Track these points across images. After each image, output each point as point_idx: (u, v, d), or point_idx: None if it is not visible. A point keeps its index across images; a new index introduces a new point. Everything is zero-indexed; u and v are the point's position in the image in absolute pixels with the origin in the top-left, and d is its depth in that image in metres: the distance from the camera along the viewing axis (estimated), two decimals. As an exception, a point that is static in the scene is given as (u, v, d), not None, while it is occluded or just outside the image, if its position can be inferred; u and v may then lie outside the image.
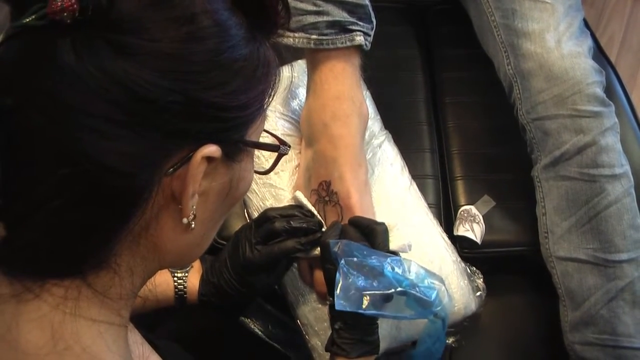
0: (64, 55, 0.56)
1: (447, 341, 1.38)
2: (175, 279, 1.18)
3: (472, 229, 1.41)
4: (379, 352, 1.14)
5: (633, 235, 1.29)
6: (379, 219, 1.20)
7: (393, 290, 1.01)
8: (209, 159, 0.65)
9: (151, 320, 1.23)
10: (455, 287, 1.26)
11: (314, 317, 1.25)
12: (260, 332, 1.27)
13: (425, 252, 1.26)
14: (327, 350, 1.08)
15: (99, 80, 0.57)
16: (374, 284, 1.00)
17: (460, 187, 1.52)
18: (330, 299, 1.05)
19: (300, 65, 1.41)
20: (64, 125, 0.57)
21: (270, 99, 0.73)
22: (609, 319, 1.27)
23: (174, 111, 0.60)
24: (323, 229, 1.14)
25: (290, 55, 1.36)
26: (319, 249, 1.12)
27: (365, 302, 0.99)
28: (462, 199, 1.50)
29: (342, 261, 0.99)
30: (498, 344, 1.50)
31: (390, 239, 1.09)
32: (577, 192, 1.30)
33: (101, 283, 0.67)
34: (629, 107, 1.62)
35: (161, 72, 0.59)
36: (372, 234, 1.07)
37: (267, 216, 1.14)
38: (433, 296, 1.04)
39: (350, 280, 0.99)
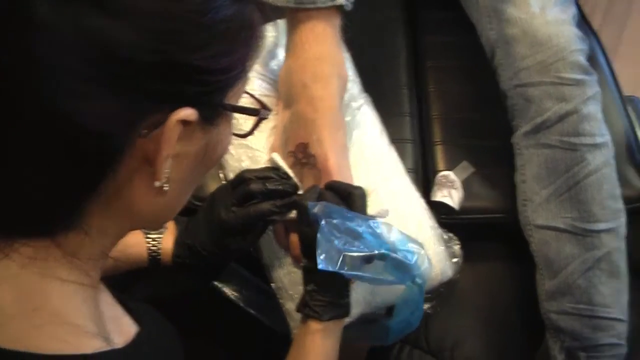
0: (38, 5, 0.54)
1: (423, 307, 1.38)
2: (149, 239, 1.16)
3: (450, 195, 1.40)
4: (352, 317, 1.14)
5: (612, 205, 1.28)
6: (356, 182, 1.19)
7: (374, 252, 1.00)
8: (185, 122, 0.63)
9: (126, 283, 1.22)
10: (432, 252, 1.25)
11: (288, 281, 1.24)
12: (234, 297, 1.25)
13: (402, 217, 1.24)
14: (298, 311, 1.06)
15: (73, 35, 0.55)
16: (354, 245, 0.99)
17: (439, 153, 1.51)
18: (305, 261, 1.04)
19: (280, 25, 1.38)
20: (36, 81, 0.55)
21: (253, 62, 0.71)
22: (586, 288, 1.27)
23: (152, 72, 0.59)
24: (299, 192, 1.13)
25: (270, 14, 1.33)
26: (294, 212, 1.11)
27: (346, 263, 0.98)
28: (440, 164, 1.49)
29: (323, 222, 0.97)
30: (474, 311, 1.50)
31: (368, 203, 1.07)
32: (557, 160, 1.29)
33: (70, 244, 0.66)
34: (611, 77, 1.61)
35: (140, 32, 0.57)
36: (350, 199, 1.05)
37: (243, 178, 1.12)
38: (413, 260, 1.03)
39: (331, 241, 0.97)
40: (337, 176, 1.15)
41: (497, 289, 1.52)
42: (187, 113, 0.62)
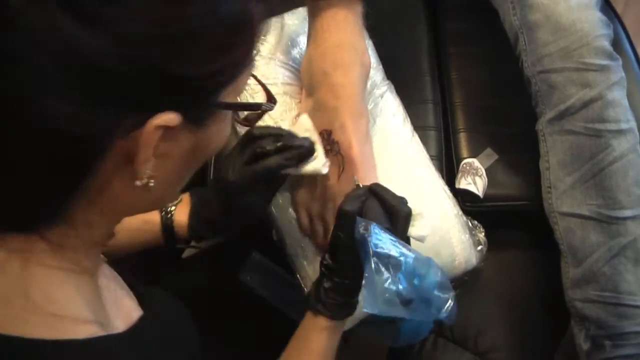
0: (17, 6, 0.53)
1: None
2: (163, 212, 1.17)
3: (474, 182, 1.39)
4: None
5: (637, 192, 1.27)
6: (379, 169, 1.20)
7: (415, 297, 0.98)
8: (167, 127, 0.62)
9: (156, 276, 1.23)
10: (456, 241, 1.24)
11: (312, 270, 1.24)
12: (259, 290, 1.24)
13: (427, 205, 1.24)
14: (308, 304, 1.05)
15: (51, 40, 0.54)
16: (399, 286, 0.97)
17: (463, 140, 1.50)
18: (328, 259, 1.03)
19: (301, 13, 1.38)
20: (15, 82, 0.55)
21: (251, 59, 0.70)
22: (611, 276, 1.26)
23: (128, 80, 0.58)
24: (316, 154, 1.12)
25: (291, 2, 1.33)
26: (310, 166, 1.10)
27: (389, 306, 0.97)
28: (464, 151, 1.48)
29: (374, 259, 0.95)
30: (498, 300, 1.49)
31: (414, 224, 1.06)
32: (581, 147, 1.28)
33: (55, 236, 0.67)
34: (635, 62, 1.59)
35: (116, 40, 0.56)
36: (395, 216, 1.02)
37: (253, 135, 1.10)
38: (445, 307, 1.01)
39: (378, 278, 0.96)
40: (360, 163, 1.15)
41: (521, 277, 1.51)
42: (167, 118, 0.61)
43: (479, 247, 1.29)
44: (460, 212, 1.29)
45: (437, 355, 1.46)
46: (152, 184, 0.67)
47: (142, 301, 0.87)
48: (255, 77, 0.75)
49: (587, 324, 1.29)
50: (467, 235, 1.26)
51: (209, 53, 0.62)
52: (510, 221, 1.51)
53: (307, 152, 1.10)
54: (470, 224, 1.29)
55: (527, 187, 1.43)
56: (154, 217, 1.17)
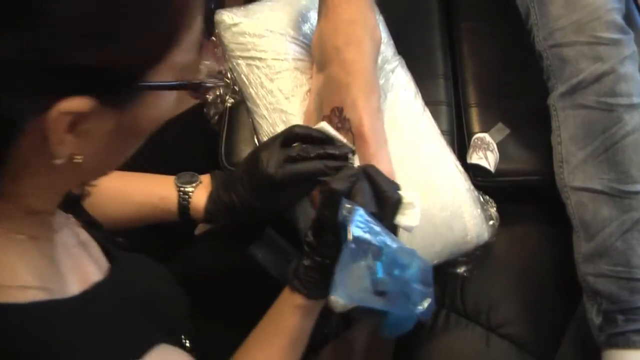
0: None
1: (459, 271, 1.37)
2: (181, 193, 1.17)
3: (486, 157, 1.39)
4: None
5: (650, 167, 1.27)
6: (391, 145, 1.20)
7: (392, 289, 0.94)
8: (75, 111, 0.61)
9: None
10: (468, 215, 1.24)
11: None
12: (267, 268, 1.24)
13: (438, 180, 1.24)
14: (288, 282, 1.04)
15: None
16: (376, 275, 0.95)
17: (474, 115, 1.50)
18: (310, 236, 1.01)
19: (312, -12, 1.37)
20: None
21: (189, 37, 0.68)
22: (624, 250, 1.25)
23: (32, 70, 0.58)
24: (354, 157, 1.10)
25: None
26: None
27: (361, 294, 0.95)
28: (476, 126, 1.48)
29: (352, 245, 0.91)
30: (510, 275, 1.49)
31: (404, 212, 1.02)
32: (593, 121, 1.27)
33: None
34: (648, 36, 1.58)
35: (17, 29, 0.56)
36: (384, 202, 1.00)
37: (295, 133, 1.10)
38: (422, 303, 0.99)
39: (354, 265, 0.92)
40: (372, 141, 1.14)
41: (533, 252, 1.51)
42: (75, 104, 0.60)
43: (491, 222, 1.29)
44: (472, 187, 1.28)
45: (449, 330, 1.47)
46: (79, 160, 0.67)
47: (113, 266, 0.88)
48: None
49: (599, 299, 1.29)
50: (478, 210, 1.26)
51: (112, 39, 0.61)
52: (522, 196, 1.51)
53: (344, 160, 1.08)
54: (482, 199, 1.29)
55: (539, 162, 1.42)
56: (171, 195, 1.17)
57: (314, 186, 1.15)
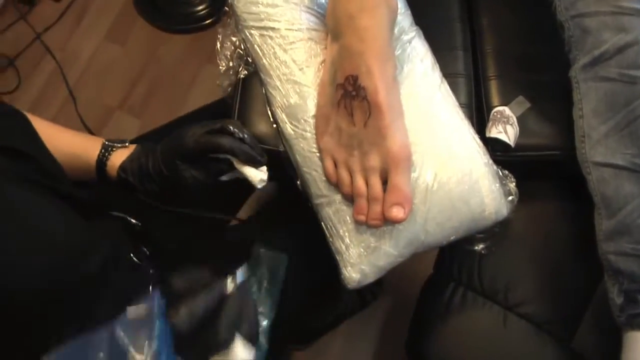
0: None
1: (476, 248, 1.35)
2: (104, 147, 1.23)
3: (506, 131, 1.36)
4: (403, 257, 1.20)
5: (674, 141, 1.23)
6: (407, 116, 1.18)
7: None
8: None
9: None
10: (486, 190, 1.21)
11: (337, 219, 1.22)
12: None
13: (455, 153, 1.20)
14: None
15: None
16: None
17: (494, 87, 1.46)
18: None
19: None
20: None
21: None
22: None
23: None
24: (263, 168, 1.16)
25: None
26: (251, 170, 1.15)
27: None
28: (495, 99, 1.44)
29: None
30: (529, 252, 1.47)
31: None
32: (616, 94, 1.24)
33: None
34: (673, 7, 1.54)
35: None
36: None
37: (224, 128, 1.15)
38: None
39: None
40: (387, 110, 1.12)
41: (553, 230, 1.48)
42: None
43: (510, 198, 1.26)
44: (491, 161, 1.25)
45: (465, 309, 1.46)
46: None
47: None
48: None
49: (621, 278, 1.26)
50: (497, 185, 1.23)
51: None
52: (542, 172, 1.48)
53: (256, 160, 1.14)
54: (500, 173, 1.26)
55: (560, 136, 1.39)
56: (96, 148, 1.23)
57: (221, 172, 1.18)
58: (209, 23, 2.82)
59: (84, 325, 0.93)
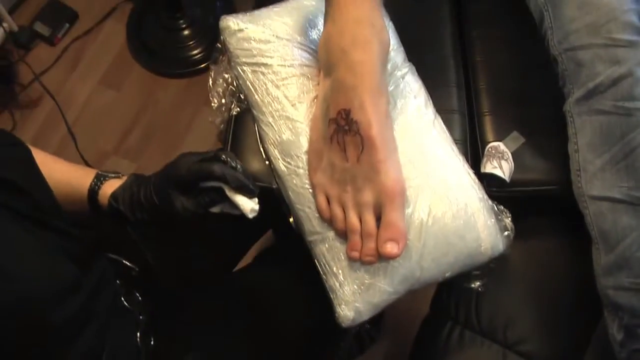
0: None
1: (473, 285, 1.33)
2: (97, 177, 1.22)
3: (500, 166, 1.35)
4: (398, 294, 1.18)
5: (671, 174, 1.22)
6: (401, 152, 1.17)
7: None
8: None
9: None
10: (481, 225, 1.20)
11: (331, 256, 1.20)
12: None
13: (450, 188, 1.19)
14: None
15: None
16: None
17: (488, 123, 1.46)
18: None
19: (320, -6, 1.34)
20: None
21: None
22: None
23: None
24: (255, 201, 1.15)
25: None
26: (243, 199, 1.13)
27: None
28: (489, 135, 1.44)
29: None
30: (526, 289, 1.46)
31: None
32: (611, 126, 1.24)
33: None
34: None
35: None
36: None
37: (217, 156, 1.14)
38: None
39: None
40: (381, 144, 1.11)
41: (551, 266, 1.47)
42: None
43: (506, 233, 1.24)
44: (486, 196, 1.24)
45: (464, 348, 1.45)
46: None
47: None
48: None
49: (621, 313, 1.25)
50: (493, 220, 1.21)
51: None
52: (538, 207, 1.48)
53: (248, 189, 1.12)
54: (496, 208, 1.25)
55: (556, 171, 1.38)
56: (88, 178, 1.22)
57: (212, 203, 1.16)
58: (204, 67, 2.82)
59: None
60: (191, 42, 2.85)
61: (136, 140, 2.75)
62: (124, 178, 1.22)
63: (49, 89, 2.83)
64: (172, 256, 1.40)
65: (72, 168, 1.25)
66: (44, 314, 0.86)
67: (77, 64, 2.92)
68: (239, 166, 1.13)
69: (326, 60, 1.18)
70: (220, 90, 1.37)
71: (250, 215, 1.13)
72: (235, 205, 1.13)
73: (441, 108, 1.34)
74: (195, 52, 2.84)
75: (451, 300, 1.51)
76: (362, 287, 1.17)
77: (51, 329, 0.88)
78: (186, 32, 2.85)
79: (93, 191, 1.20)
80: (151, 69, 2.88)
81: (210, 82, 1.38)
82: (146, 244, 1.27)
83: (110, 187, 1.20)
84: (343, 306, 1.19)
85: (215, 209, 1.16)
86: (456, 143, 1.31)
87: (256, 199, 1.14)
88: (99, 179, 1.21)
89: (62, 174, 1.21)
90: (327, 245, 1.20)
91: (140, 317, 1.20)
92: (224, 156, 1.13)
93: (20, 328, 0.84)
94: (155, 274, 1.28)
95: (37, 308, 0.85)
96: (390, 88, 1.25)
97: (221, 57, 1.38)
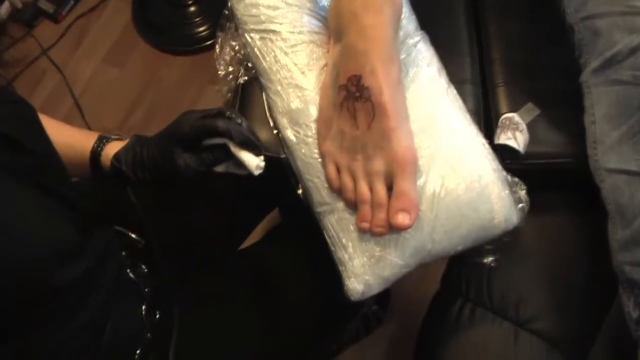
0: None
1: (485, 260, 1.30)
2: (99, 139, 1.21)
3: (515, 137, 1.31)
4: (410, 267, 1.16)
5: (690, 145, 1.19)
6: (413, 120, 1.14)
7: None
8: None
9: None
10: (495, 197, 1.16)
11: (340, 227, 1.18)
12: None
13: (463, 158, 1.16)
14: None
15: None
16: None
17: (502, 94, 1.42)
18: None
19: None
20: None
21: None
22: None
23: None
24: (260, 158, 1.12)
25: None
26: (247, 155, 1.11)
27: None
28: (504, 106, 1.40)
29: None
30: (540, 266, 1.43)
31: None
32: (629, 97, 1.20)
33: None
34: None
35: None
36: None
37: (222, 112, 1.13)
38: None
39: None
40: (392, 111, 1.08)
41: (565, 241, 1.44)
42: None
43: (520, 205, 1.21)
44: (500, 167, 1.21)
45: (474, 325, 1.42)
46: None
47: None
48: None
49: (637, 290, 1.21)
50: (507, 192, 1.18)
51: None
52: (553, 181, 1.44)
53: (253, 144, 1.11)
54: (510, 180, 1.21)
55: (572, 144, 1.35)
56: (91, 140, 1.21)
57: (215, 161, 1.14)
58: (211, 44, 2.79)
59: (65, 332, 0.89)
60: (197, 19, 2.82)
61: (140, 118, 2.74)
62: (126, 140, 1.20)
63: (52, 68, 2.81)
64: (173, 222, 1.38)
65: (74, 131, 1.23)
66: (45, 274, 0.84)
67: (82, 41, 2.90)
68: (243, 123, 1.11)
69: (336, 24, 1.15)
70: (227, 58, 1.35)
71: (256, 172, 1.11)
72: (240, 165, 1.11)
73: (454, 78, 1.31)
74: (201, 29, 2.82)
75: (462, 277, 1.48)
76: (372, 260, 1.15)
77: (53, 292, 0.86)
78: (192, 9, 2.83)
79: (95, 153, 1.18)
80: (156, 46, 2.86)
81: (217, 49, 1.36)
82: (145, 207, 1.25)
83: (112, 148, 1.18)
84: (352, 279, 1.16)
85: (219, 168, 1.14)
86: (469, 113, 1.28)
87: (262, 156, 1.12)
88: (102, 141, 1.19)
89: (64, 135, 1.19)
90: (336, 217, 1.18)
91: (146, 289, 1.18)
92: (228, 112, 1.11)
93: (21, 286, 0.82)
94: (158, 245, 1.25)
95: (37, 267, 0.83)
96: (402, 56, 1.22)
97: (228, 24, 1.36)
